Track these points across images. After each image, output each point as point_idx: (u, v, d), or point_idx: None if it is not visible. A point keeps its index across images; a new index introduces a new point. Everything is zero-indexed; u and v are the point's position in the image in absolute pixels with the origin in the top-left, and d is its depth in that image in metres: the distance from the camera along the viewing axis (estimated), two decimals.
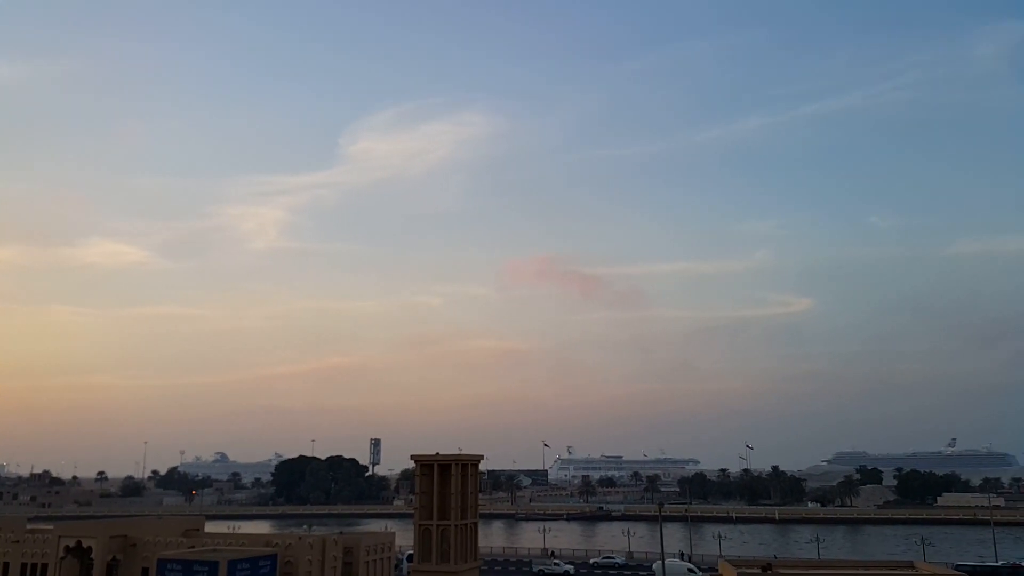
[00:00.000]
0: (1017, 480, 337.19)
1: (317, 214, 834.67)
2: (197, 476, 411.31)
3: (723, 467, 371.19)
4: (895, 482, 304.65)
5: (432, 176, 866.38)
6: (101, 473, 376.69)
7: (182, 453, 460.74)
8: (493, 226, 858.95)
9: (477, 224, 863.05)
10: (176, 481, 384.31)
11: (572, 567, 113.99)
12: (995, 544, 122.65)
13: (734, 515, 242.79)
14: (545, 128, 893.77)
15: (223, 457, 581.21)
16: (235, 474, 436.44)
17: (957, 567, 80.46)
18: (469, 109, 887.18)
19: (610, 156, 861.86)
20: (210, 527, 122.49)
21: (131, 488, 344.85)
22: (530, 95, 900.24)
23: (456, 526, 67.11)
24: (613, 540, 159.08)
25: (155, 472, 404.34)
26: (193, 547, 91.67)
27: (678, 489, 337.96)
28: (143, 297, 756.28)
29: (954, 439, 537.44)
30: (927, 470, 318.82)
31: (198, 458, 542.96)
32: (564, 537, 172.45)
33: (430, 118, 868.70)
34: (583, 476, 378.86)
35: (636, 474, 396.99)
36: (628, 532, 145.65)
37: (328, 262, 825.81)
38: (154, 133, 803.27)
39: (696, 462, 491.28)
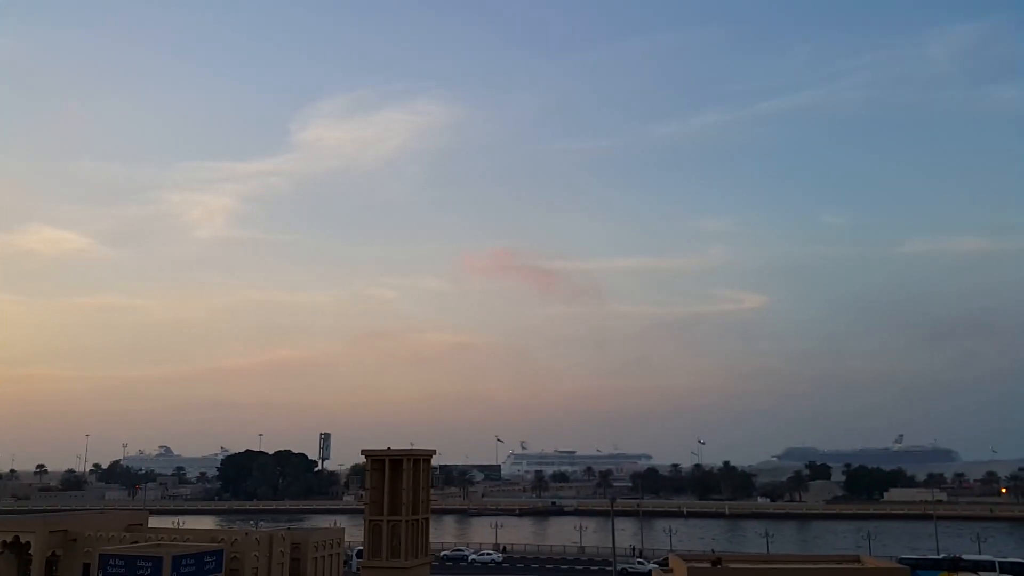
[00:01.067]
0: (960, 475, 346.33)
1: (266, 203, 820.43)
2: (140, 470, 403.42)
3: (675, 462, 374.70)
4: (843, 478, 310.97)
5: (386, 166, 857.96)
6: (41, 466, 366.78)
7: (125, 446, 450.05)
8: (449, 218, 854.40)
9: (432, 216, 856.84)
10: (119, 475, 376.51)
11: (655, 566, 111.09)
12: (937, 537, 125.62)
13: (685, 510, 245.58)
14: (502, 120, 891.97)
15: (167, 451, 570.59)
16: (180, 468, 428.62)
17: (901, 560, 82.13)
18: (424, 98, 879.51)
19: (568, 149, 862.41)
20: (154, 522, 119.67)
21: (72, 482, 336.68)
22: (487, 86, 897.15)
23: (407, 522, 66.38)
24: (565, 535, 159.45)
25: (97, 466, 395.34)
26: (136, 542, 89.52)
27: (630, 484, 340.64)
28: (85, 286, 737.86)
29: (901, 435, 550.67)
30: (875, 466, 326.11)
31: (141, 452, 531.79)
32: (516, 532, 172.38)
33: (384, 106, 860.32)
34: (536, 471, 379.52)
35: (589, 469, 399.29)
36: (580, 527, 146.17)
37: (278, 252, 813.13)
38: (96, 117, 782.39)
39: (649, 457, 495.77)
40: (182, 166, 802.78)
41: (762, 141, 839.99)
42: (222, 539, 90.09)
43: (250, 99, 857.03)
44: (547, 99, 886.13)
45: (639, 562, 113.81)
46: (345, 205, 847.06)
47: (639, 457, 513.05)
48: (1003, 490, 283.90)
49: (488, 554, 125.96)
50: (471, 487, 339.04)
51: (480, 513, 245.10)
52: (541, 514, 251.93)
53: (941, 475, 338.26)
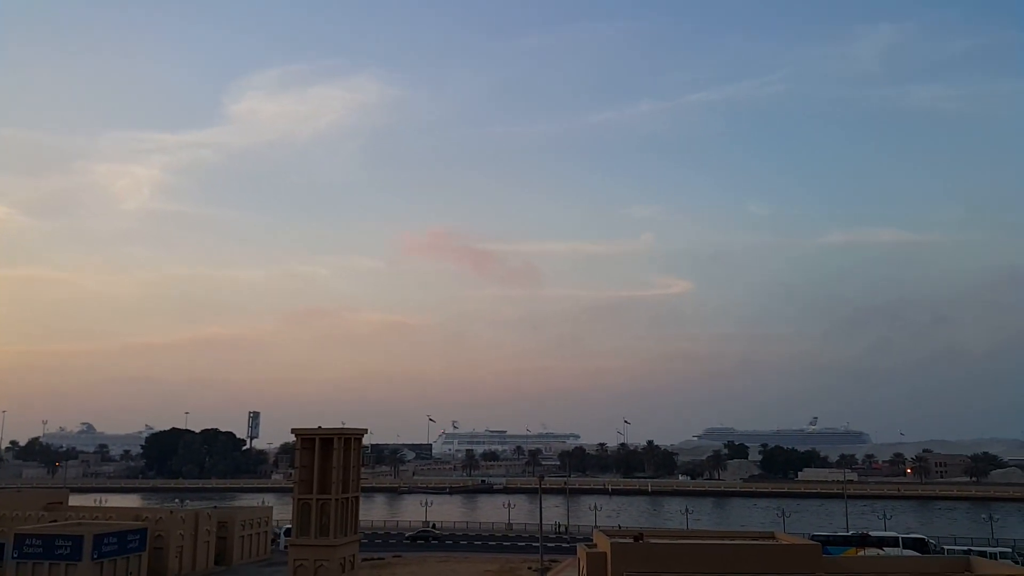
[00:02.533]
0: (870, 456, 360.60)
1: (196, 176, 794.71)
2: (61, 447, 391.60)
3: (602, 442, 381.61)
4: (760, 457, 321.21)
5: (321, 143, 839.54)
6: None
7: (44, 423, 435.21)
8: (385, 197, 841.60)
9: (368, 195, 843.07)
10: (37, 452, 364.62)
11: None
12: (847, 515, 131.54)
13: (610, 487, 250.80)
14: (441, 100, 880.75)
15: (89, 428, 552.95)
16: (102, 446, 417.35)
17: (813, 537, 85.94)
18: (362, 75, 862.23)
19: (506, 133, 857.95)
20: (75, 500, 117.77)
21: None
22: (426, 65, 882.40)
23: (337, 500, 66.87)
24: (494, 512, 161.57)
25: (14, 443, 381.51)
26: (55, 521, 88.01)
27: (559, 463, 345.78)
28: (4, 257, 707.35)
29: (815, 418, 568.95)
30: (790, 446, 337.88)
31: (62, 429, 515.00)
32: (446, 510, 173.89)
33: (320, 81, 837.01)
34: (467, 450, 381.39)
35: (519, 448, 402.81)
36: (509, 504, 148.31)
37: (208, 227, 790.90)
38: (16, 82, 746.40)
39: (577, 437, 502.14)
40: (108, 136, 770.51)
41: (692, 131, 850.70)
42: (146, 517, 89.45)
43: (180, 69, 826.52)
44: (486, 82, 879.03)
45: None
46: (278, 181, 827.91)
47: (567, 437, 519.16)
48: (909, 471, 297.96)
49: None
50: (402, 466, 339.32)
51: (411, 491, 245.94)
52: (471, 492, 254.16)
53: (853, 456, 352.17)
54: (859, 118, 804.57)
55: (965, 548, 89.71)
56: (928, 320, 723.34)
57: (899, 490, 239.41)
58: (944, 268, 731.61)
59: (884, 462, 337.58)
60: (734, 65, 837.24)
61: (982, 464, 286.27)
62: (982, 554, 74.82)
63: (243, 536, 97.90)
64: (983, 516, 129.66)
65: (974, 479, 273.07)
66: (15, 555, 75.19)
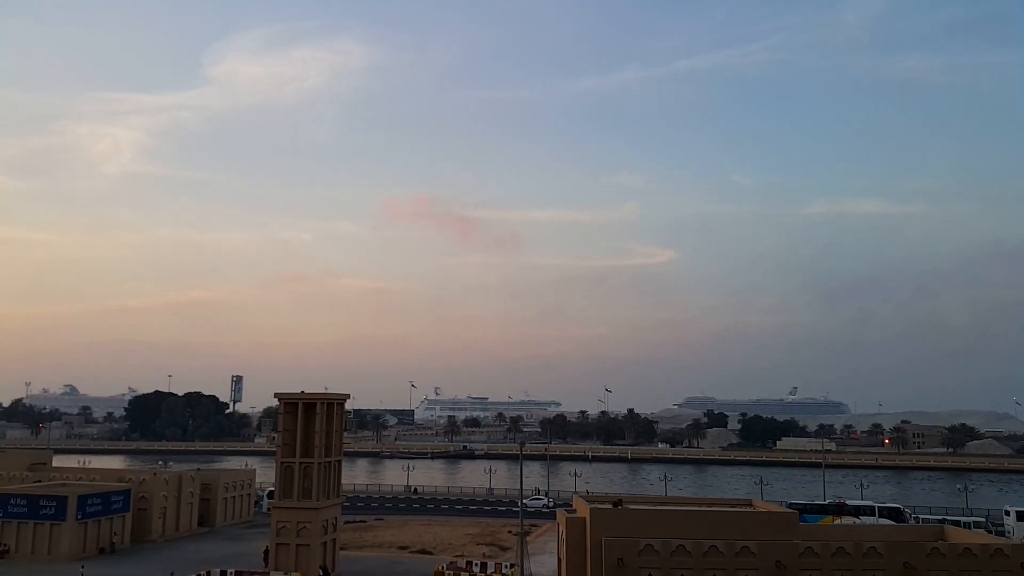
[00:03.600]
0: (848, 427, 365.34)
1: (177, 138, 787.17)
2: (44, 409, 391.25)
3: (583, 409, 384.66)
4: (739, 426, 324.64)
5: (304, 106, 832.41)
6: None
7: (28, 385, 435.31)
8: (369, 162, 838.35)
9: (352, 159, 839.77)
10: (21, 414, 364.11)
11: (551, 502, 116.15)
12: (824, 484, 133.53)
13: (590, 454, 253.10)
14: (423, 65, 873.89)
15: (73, 390, 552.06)
16: (86, 408, 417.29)
17: (790, 505, 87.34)
18: (345, 37, 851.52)
19: (491, 99, 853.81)
20: (58, 462, 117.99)
21: None
22: (409, 29, 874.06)
23: (319, 464, 67.19)
24: (475, 478, 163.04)
25: None
26: (40, 481, 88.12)
27: (539, 430, 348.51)
28: None
29: (795, 388, 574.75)
30: (769, 416, 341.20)
31: (45, 390, 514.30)
32: (427, 475, 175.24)
33: (302, 43, 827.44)
34: (449, 416, 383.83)
35: (500, 415, 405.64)
36: (490, 470, 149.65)
37: (190, 190, 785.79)
38: None
39: (558, 404, 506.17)
40: (88, 96, 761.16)
41: (679, 99, 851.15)
42: (129, 479, 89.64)
43: (160, 29, 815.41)
44: (471, 45, 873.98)
45: (535, 497, 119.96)
46: (260, 144, 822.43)
47: (548, 404, 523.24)
48: (886, 441, 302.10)
49: (539, 499, 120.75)
50: (384, 431, 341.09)
51: (393, 456, 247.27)
52: (453, 457, 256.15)
53: (831, 426, 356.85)
54: (846, 88, 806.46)
55: (940, 517, 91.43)
56: (911, 293, 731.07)
57: (877, 460, 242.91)
58: (928, 240, 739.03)
59: (862, 432, 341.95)
60: (722, 31, 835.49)
61: (959, 435, 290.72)
62: (956, 523, 76.29)
63: (226, 498, 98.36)
64: (959, 487, 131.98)
65: (951, 450, 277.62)
66: (0, 514, 75.39)
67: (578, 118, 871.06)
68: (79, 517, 74.49)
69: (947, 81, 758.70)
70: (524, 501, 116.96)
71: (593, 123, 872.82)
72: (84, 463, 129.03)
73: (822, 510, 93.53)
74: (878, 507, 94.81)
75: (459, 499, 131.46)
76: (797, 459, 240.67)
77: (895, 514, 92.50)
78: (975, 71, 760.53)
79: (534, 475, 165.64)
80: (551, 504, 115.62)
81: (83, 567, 66.01)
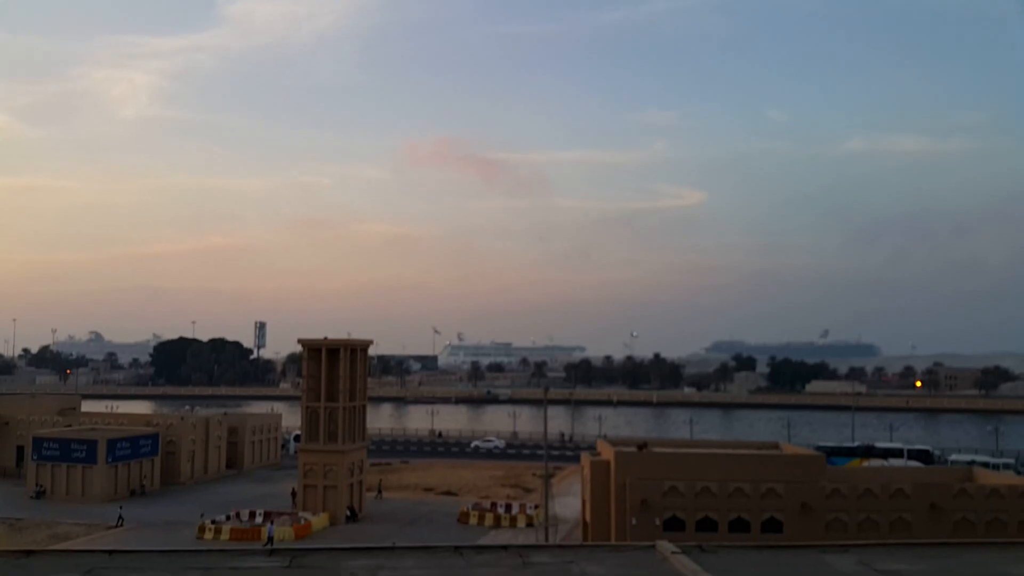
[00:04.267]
0: (880, 369, 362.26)
1: (193, 81, 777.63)
2: (71, 355, 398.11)
3: (608, 354, 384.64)
4: (768, 370, 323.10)
5: (321, 45, 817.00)
6: None
7: (54, 331, 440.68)
8: (389, 103, 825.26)
9: (371, 100, 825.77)
10: (48, 360, 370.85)
11: (502, 442, 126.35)
12: (853, 427, 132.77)
13: (615, 399, 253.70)
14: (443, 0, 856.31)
15: (98, 336, 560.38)
16: (111, 354, 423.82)
17: (818, 448, 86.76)
18: None
19: (513, 33, 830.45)
20: (86, 407, 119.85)
21: (0, 367, 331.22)
22: None
23: (344, 408, 67.42)
24: (499, 422, 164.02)
25: (26, 350, 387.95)
26: (70, 426, 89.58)
27: (564, 375, 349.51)
28: (6, 166, 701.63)
29: (826, 330, 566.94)
30: (799, 359, 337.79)
31: (71, 337, 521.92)
32: (451, 419, 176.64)
33: None
34: (472, 362, 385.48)
35: (524, 360, 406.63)
36: (514, 415, 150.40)
37: (208, 134, 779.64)
38: None
39: (583, 349, 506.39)
40: (102, 40, 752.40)
41: (711, 31, 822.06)
42: (157, 423, 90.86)
43: None
44: None
45: (487, 439, 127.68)
46: (278, 86, 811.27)
47: (573, 349, 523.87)
48: (918, 383, 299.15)
49: (490, 440, 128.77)
50: (408, 376, 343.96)
51: (416, 401, 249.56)
52: (476, 402, 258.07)
53: (862, 369, 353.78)
54: (880, 19, 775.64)
55: (969, 459, 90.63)
56: (948, 232, 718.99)
57: (907, 403, 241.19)
58: (967, 177, 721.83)
59: (894, 375, 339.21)
60: None
61: (992, 377, 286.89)
62: (985, 465, 75.48)
63: (253, 441, 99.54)
64: (989, 428, 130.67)
65: (983, 392, 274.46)
66: (35, 457, 77.13)
67: (604, 53, 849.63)
68: (109, 460, 75.74)
69: (989, 9, 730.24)
70: (476, 442, 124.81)
71: (620, 58, 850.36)
72: (112, 408, 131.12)
73: (850, 452, 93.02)
74: (907, 449, 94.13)
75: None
76: (826, 402, 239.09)
77: (924, 456, 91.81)
78: None
79: (558, 420, 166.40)
80: (502, 444, 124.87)
81: (121, 507, 67.19)
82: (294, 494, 71.38)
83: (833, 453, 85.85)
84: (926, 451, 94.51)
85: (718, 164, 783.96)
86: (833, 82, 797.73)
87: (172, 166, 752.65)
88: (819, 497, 47.55)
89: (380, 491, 77.52)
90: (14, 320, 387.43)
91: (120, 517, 64.47)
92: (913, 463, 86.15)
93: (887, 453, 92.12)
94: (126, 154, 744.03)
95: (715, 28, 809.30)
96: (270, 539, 56.13)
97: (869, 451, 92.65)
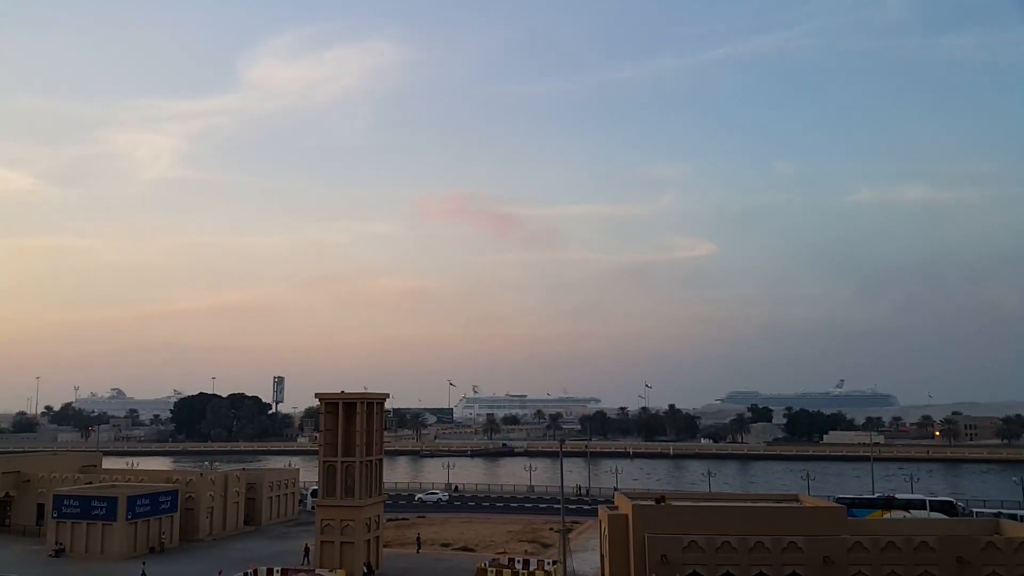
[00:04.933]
0: (897, 419, 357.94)
1: (214, 143, 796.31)
2: (93, 412, 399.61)
3: (623, 406, 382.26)
4: (785, 420, 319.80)
5: (337, 106, 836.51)
6: None
7: (76, 389, 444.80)
8: (403, 161, 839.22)
9: (386, 158, 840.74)
10: (71, 417, 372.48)
11: (446, 495, 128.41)
12: (873, 477, 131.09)
13: (631, 450, 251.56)
14: (457, 60, 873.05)
15: (119, 393, 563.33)
16: (132, 411, 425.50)
17: (838, 499, 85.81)
18: (377, 36, 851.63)
19: (524, 93, 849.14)
20: (107, 463, 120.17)
21: (23, 424, 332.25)
22: (441, 25, 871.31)
23: (361, 462, 67.56)
24: (515, 475, 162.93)
25: (48, 408, 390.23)
26: (91, 483, 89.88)
27: (579, 427, 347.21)
28: (31, 227, 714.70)
29: (842, 380, 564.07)
30: (815, 409, 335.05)
31: (93, 394, 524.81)
32: (467, 473, 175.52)
33: (334, 44, 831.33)
34: (488, 414, 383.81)
35: (539, 412, 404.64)
36: (530, 467, 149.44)
37: (227, 195, 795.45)
38: (34, 50, 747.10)
39: (597, 401, 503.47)
40: (125, 104, 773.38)
41: (716, 87, 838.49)
42: (177, 479, 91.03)
43: (194, 35, 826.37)
44: (501, 41, 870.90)
45: (431, 492, 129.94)
46: (295, 147, 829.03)
47: (588, 400, 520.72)
48: (937, 433, 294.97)
49: (434, 493, 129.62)
50: (424, 429, 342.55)
51: (433, 454, 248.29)
52: (492, 455, 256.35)
53: (879, 419, 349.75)
54: (888, 71, 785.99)
55: (995, 511, 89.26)
56: (960, 279, 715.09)
57: (928, 453, 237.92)
58: (977, 225, 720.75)
59: (912, 424, 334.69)
60: (759, 17, 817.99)
61: (1013, 426, 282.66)
62: (1012, 517, 74.39)
63: (271, 497, 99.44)
64: (1014, 479, 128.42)
65: (1005, 441, 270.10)
66: (55, 515, 77.43)
67: (613, 110, 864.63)
68: (129, 517, 75.88)
69: (994, 59, 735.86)
70: (420, 495, 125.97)
71: (629, 115, 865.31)
72: (132, 464, 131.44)
73: (871, 504, 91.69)
74: (929, 500, 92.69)
75: (500, 496, 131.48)
76: (845, 453, 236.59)
77: (947, 508, 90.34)
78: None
79: (574, 472, 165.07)
80: (446, 497, 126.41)
81: (144, 563, 67.23)
82: (307, 549, 71.34)
83: (853, 505, 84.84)
84: (949, 502, 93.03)
85: (727, 216, 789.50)
86: (840, 133, 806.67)
87: (191, 225, 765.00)
88: (841, 551, 47.19)
89: (419, 544, 79.12)
90: (37, 378, 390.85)
91: (143, 574, 64.59)
92: (936, 515, 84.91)
93: (909, 505, 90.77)
94: (147, 214, 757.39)
95: (720, 85, 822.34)
96: None
97: (890, 503, 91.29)
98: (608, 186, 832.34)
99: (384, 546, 72.58)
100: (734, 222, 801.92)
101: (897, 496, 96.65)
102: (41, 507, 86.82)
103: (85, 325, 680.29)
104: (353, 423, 68.26)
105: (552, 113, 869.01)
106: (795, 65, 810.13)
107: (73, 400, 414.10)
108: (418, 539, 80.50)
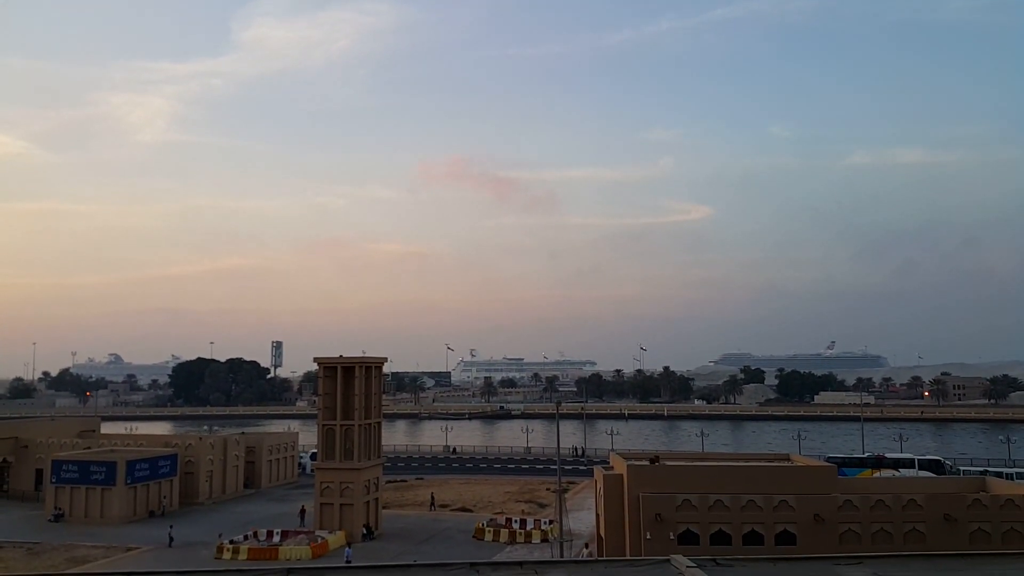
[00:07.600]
0: (887, 380, 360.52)
1: (209, 106, 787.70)
2: (90, 378, 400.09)
3: (618, 368, 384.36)
4: (776, 381, 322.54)
5: (334, 69, 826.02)
6: None
7: (74, 354, 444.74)
8: (402, 124, 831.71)
9: (384, 122, 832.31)
10: (68, 383, 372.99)
11: None
12: (863, 437, 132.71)
13: (626, 412, 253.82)
14: (454, 22, 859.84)
15: (117, 359, 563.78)
16: (130, 376, 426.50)
17: (828, 459, 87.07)
18: None
19: (522, 55, 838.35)
20: (106, 429, 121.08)
21: (20, 390, 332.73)
22: None
23: (360, 425, 68.32)
24: (512, 437, 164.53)
25: (46, 373, 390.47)
26: (89, 448, 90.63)
27: (575, 389, 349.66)
28: (25, 191, 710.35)
29: (833, 342, 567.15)
30: (807, 371, 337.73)
31: (91, 359, 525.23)
32: (466, 435, 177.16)
33: (329, 4, 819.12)
34: (485, 378, 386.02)
35: (536, 375, 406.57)
36: (527, 429, 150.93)
37: (223, 158, 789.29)
38: (24, 12, 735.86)
39: (593, 364, 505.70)
40: (118, 66, 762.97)
41: (714, 50, 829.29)
42: (176, 444, 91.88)
43: None
44: (500, 2, 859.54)
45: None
46: (292, 109, 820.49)
47: (584, 363, 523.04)
48: (926, 393, 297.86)
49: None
50: (422, 393, 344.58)
51: (431, 417, 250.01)
52: (490, 418, 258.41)
53: (870, 380, 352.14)
54: (886, 33, 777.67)
55: (981, 469, 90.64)
56: (957, 241, 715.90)
57: (921, 413, 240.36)
58: (975, 189, 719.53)
59: (902, 385, 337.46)
60: None
61: (1001, 386, 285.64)
62: (998, 475, 75.61)
63: (271, 460, 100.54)
64: (1000, 438, 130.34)
65: (992, 401, 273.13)
66: (54, 480, 78.12)
67: (611, 73, 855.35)
68: (128, 481, 76.72)
69: (994, 20, 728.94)
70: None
71: (626, 78, 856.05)
72: (131, 429, 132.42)
73: (861, 463, 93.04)
74: (918, 459, 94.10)
75: (497, 458, 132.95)
76: (835, 413, 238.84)
77: (935, 466, 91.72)
78: (1020, 8, 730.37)
79: (570, 433, 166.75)
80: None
81: (171, 527, 67.77)
82: (303, 512, 72.45)
83: (844, 464, 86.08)
84: (938, 461, 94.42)
85: (723, 179, 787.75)
86: (835, 98, 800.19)
87: (189, 189, 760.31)
88: (831, 509, 48.03)
89: (433, 503, 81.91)
90: (34, 344, 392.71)
91: (171, 536, 65.40)
92: (925, 473, 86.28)
93: (898, 464, 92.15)
94: (144, 178, 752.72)
95: (717, 47, 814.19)
96: (348, 560, 55.93)
97: (880, 462, 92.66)
98: (605, 150, 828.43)
99: (383, 507, 73.68)
100: (731, 185, 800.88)
101: (886, 455, 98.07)
102: (39, 472, 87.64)
103: (82, 290, 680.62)
104: (352, 387, 68.94)
105: (550, 77, 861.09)
106: (790, 28, 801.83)
107: (71, 365, 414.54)
108: (432, 498, 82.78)
